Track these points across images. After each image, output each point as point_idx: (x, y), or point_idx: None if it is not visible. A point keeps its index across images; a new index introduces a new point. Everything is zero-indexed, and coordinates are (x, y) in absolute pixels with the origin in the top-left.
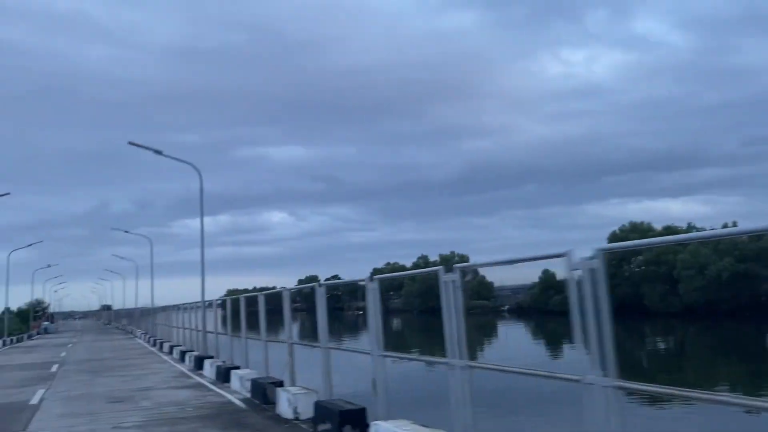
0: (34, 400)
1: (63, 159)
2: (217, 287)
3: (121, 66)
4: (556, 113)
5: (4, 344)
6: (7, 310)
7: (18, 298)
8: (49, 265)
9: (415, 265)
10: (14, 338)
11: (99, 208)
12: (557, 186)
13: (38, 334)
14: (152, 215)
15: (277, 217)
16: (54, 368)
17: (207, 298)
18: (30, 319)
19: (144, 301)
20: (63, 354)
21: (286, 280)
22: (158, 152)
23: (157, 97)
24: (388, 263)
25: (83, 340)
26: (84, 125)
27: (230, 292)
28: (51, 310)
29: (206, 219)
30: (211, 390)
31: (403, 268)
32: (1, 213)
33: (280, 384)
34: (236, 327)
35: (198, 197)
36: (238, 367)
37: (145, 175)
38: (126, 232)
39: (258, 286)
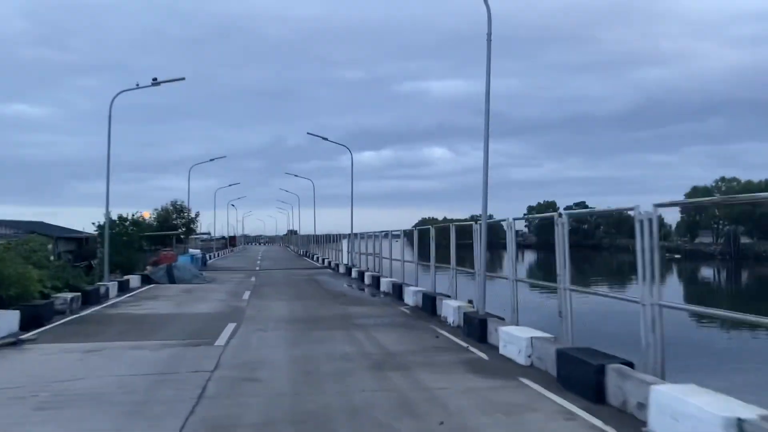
0: None
1: (242, 96)
2: (398, 219)
3: (288, 4)
4: (749, 36)
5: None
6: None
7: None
8: (231, 185)
9: None
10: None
11: (275, 142)
12: (749, 120)
13: (151, 281)
14: (323, 149)
15: (437, 152)
16: None
17: (393, 228)
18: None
19: (310, 229)
20: None
21: (452, 215)
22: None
23: (322, 33)
24: (544, 201)
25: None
26: (258, 64)
27: (423, 222)
28: (228, 231)
29: (370, 153)
30: None
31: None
32: (185, 144)
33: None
34: (438, 258)
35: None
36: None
37: (316, 110)
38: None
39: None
